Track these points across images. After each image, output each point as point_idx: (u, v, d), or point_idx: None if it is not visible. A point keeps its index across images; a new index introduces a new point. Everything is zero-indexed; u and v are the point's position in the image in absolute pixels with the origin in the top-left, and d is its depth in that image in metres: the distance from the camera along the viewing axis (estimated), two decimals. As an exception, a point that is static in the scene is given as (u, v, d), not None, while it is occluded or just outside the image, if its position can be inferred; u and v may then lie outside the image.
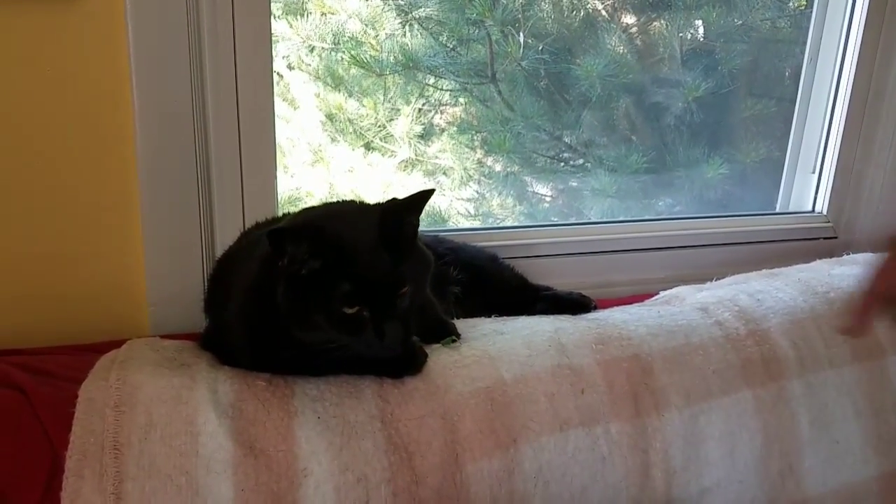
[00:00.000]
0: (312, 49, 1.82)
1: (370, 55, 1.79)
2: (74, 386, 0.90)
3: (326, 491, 0.89)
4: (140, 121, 1.12)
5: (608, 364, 1.08)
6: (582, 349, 1.09)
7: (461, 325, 1.14)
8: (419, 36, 1.80)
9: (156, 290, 1.19)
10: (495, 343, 1.09)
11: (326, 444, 0.91)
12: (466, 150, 1.93)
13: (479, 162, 1.94)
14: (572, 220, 1.93)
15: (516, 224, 1.85)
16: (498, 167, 1.94)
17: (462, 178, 1.94)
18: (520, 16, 1.75)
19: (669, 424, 1.07)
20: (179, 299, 1.17)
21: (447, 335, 1.09)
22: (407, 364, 1.01)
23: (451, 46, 1.81)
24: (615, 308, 1.27)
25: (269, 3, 1.19)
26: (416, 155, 1.93)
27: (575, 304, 1.26)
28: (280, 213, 1.27)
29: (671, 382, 1.09)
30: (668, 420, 1.07)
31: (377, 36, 1.80)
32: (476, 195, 1.97)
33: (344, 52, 1.79)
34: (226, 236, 1.18)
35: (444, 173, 1.95)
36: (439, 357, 1.05)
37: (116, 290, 1.19)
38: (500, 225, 1.88)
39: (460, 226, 1.94)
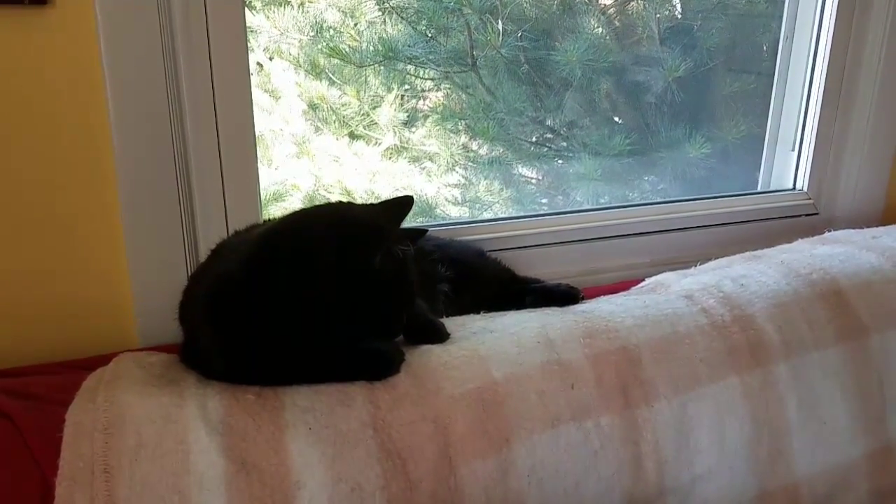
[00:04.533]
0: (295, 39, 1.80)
1: (350, 46, 1.78)
2: (62, 409, 0.90)
3: (321, 502, 0.89)
4: (117, 132, 1.11)
5: (596, 358, 1.09)
6: (570, 344, 1.10)
7: (450, 323, 1.14)
8: (399, 25, 1.78)
9: (142, 302, 1.19)
10: (484, 342, 1.09)
11: (319, 454, 0.91)
12: (451, 135, 1.92)
13: (465, 147, 1.93)
14: (556, 210, 1.92)
15: (501, 216, 1.85)
16: (483, 151, 1.93)
17: (448, 163, 1.93)
18: (497, 2, 1.74)
19: (659, 415, 1.08)
20: (167, 310, 1.15)
21: (436, 335, 1.10)
22: (386, 364, 1.01)
23: (431, 35, 1.80)
24: (601, 298, 1.27)
25: (244, 5, 1.18)
26: (400, 142, 1.93)
27: (563, 296, 1.27)
28: (263, 216, 1.28)
29: (659, 373, 1.10)
30: (658, 410, 1.08)
31: (357, 25, 1.79)
32: (463, 180, 1.96)
33: (324, 43, 1.78)
34: (209, 244, 1.17)
35: (430, 159, 1.94)
36: (430, 359, 1.05)
37: (103, 305, 1.18)
38: (485, 217, 1.88)
39: (448, 213, 1.93)
